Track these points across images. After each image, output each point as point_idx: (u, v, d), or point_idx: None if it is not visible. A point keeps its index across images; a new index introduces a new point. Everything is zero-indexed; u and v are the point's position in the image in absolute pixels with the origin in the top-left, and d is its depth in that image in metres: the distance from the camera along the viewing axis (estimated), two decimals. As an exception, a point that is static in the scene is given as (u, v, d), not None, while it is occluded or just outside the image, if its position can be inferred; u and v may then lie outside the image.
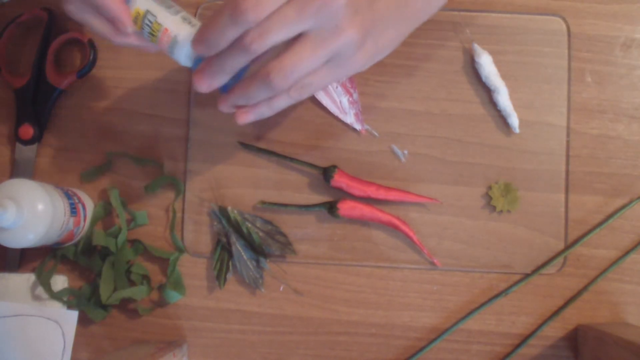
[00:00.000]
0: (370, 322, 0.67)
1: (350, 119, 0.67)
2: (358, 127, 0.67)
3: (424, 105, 0.68)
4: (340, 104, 0.67)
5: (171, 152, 0.69)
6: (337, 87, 0.67)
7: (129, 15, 0.53)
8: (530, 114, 0.67)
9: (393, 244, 0.67)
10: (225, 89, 0.55)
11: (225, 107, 0.56)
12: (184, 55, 0.54)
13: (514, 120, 0.66)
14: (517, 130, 0.67)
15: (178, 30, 0.53)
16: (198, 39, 0.50)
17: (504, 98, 0.66)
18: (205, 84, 0.52)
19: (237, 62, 0.50)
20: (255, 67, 0.52)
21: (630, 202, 0.67)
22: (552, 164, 0.67)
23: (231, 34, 0.48)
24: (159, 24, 0.53)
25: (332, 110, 0.67)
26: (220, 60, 0.51)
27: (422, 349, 0.67)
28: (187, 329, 0.68)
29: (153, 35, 0.54)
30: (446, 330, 0.67)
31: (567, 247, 0.67)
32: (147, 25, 0.54)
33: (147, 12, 0.53)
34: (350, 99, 0.67)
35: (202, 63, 0.53)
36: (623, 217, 0.67)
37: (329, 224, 0.67)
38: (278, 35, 0.48)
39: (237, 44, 0.49)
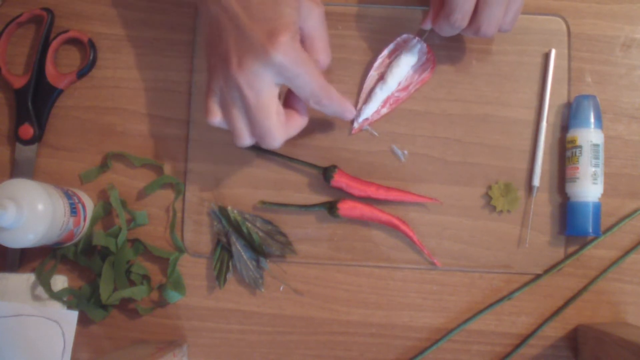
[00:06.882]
0: (370, 322, 0.67)
1: (361, 115, 0.67)
2: (355, 125, 0.67)
3: (424, 105, 0.68)
4: (372, 94, 0.67)
5: (171, 152, 0.68)
6: (383, 86, 0.66)
7: None
8: (530, 113, 0.67)
9: (393, 244, 0.67)
10: None
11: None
12: None
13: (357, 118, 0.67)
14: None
15: None
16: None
17: (382, 94, 0.66)
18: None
19: None
20: None
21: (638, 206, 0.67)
22: (552, 164, 0.67)
23: None
24: None
25: (363, 87, 0.67)
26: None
27: (423, 350, 0.67)
28: (187, 329, 0.68)
29: None
30: (448, 331, 0.67)
31: (578, 249, 0.67)
32: None
33: None
34: (380, 108, 0.67)
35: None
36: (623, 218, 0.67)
37: (329, 224, 0.67)
38: None
39: None
